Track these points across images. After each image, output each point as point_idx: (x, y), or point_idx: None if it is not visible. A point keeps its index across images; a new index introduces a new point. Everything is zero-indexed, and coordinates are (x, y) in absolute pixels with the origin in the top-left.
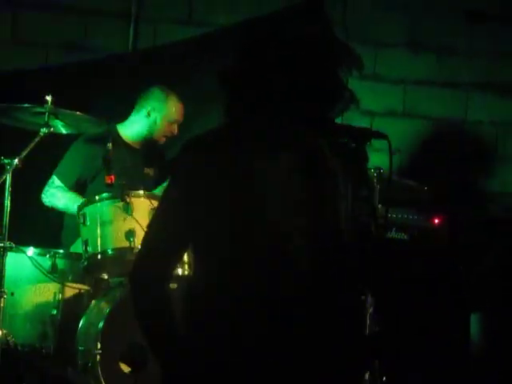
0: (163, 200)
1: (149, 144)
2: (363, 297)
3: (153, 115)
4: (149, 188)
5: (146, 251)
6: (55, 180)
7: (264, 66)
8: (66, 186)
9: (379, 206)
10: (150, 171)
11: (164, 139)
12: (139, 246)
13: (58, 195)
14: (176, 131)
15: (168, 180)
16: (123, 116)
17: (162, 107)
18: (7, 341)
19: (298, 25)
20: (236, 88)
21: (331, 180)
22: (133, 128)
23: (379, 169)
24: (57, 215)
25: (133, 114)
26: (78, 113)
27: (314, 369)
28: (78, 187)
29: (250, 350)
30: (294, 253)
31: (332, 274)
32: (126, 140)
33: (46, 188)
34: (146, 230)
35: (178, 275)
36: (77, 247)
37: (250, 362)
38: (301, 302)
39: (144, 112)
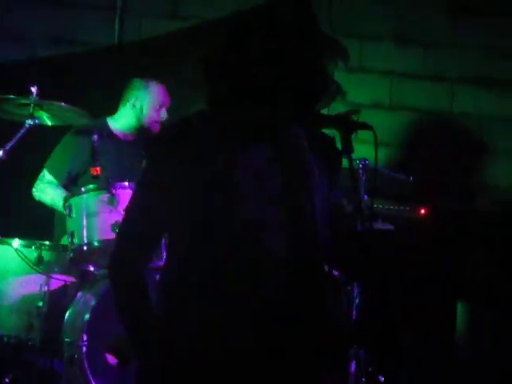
0: (138, 185)
1: (140, 135)
2: (348, 287)
3: (138, 105)
4: None
5: (123, 239)
6: (46, 174)
7: (248, 58)
8: (57, 179)
9: (365, 196)
10: (140, 164)
11: (156, 126)
12: None
13: (47, 190)
14: (166, 116)
15: (144, 163)
16: (109, 108)
17: (144, 95)
18: None
19: (285, 16)
20: (218, 78)
21: (307, 171)
22: (122, 120)
23: (365, 160)
24: (47, 208)
25: (120, 108)
26: (62, 104)
27: (290, 357)
28: (70, 181)
29: (226, 338)
30: (267, 241)
31: (307, 262)
32: (117, 132)
33: (37, 182)
34: (122, 217)
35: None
36: (67, 239)
37: (226, 350)
38: (276, 290)
39: (129, 104)
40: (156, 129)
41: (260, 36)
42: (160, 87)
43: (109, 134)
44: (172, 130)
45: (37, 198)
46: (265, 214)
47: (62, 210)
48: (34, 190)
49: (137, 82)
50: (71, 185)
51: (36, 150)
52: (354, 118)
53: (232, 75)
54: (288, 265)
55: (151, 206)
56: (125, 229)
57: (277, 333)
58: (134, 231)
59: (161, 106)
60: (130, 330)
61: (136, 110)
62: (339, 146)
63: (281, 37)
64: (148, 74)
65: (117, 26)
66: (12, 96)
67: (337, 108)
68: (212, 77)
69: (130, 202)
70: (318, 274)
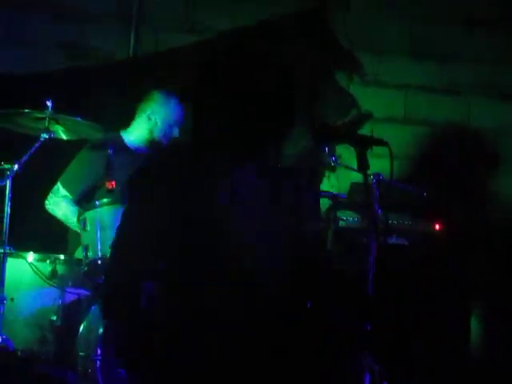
0: (125, 217)
1: (151, 148)
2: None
3: (153, 118)
4: None
5: (116, 261)
6: (60, 188)
7: (221, 89)
8: (71, 195)
9: (379, 211)
10: None
11: (166, 142)
12: None
13: (61, 205)
14: (177, 133)
15: (128, 198)
16: (123, 121)
17: (161, 109)
18: (7, 346)
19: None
20: (199, 109)
21: (289, 196)
22: (136, 133)
23: (379, 174)
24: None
25: (135, 119)
26: (78, 118)
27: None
28: (84, 196)
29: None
30: (257, 262)
31: (288, 282)
32: (130, 145)
33: (51, 195)
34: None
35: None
36: (81, 253)
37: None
38: (263, 307)
39: (144, 116)
40: (164, 144)
41: (229, 68)
42: (178, 105)
43: (123, 147)
44: (158, 164)
45: (49, 211)
46: (253, 236)
47: (73, 226)
48: (46, 202)
49: (156, 95)
50: (85, 200)
51: (50, 163)
52: (367, 129)
53: (209, 106)
54: (276, 284)
55: (141, 236)
56: (117, 253)
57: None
58: (126, 256)
59: (175, 124)
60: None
61: (151, 123)
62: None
63: (250, 73)
64: (163, 86)
65: (132, 38)
66: (27, 110)
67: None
68: (194, 108)
69: (121, 229)
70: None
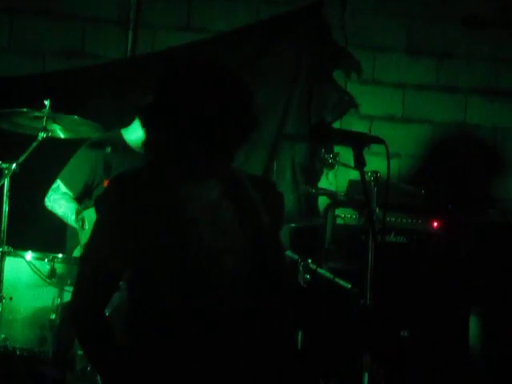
0: (92, 235)
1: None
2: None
3: None
4: None
5: (80, 287)
6: (60, 185)
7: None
8: (71, 192)
9: (377, 210)
10: None
11: None
12: None
13: (60, 202)
14: None
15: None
16: (121, 121)
17: None
18: (5, 345)
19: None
20: (158, 124)
21: (250, 207)
22: (137, 133)
23: (376, 173)
24: (60, 220)
25: (136, 120)
26: (75, 117)
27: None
28: (84, 193)
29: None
30: (223, 272)
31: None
32: (131, 145)
33: (50, 192)
34: (79, 262)
35: None
36: (79, 252)
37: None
38: (236, 316)
39: None
40: None
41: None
42: None
43: (122, 146)
44: (122, 180)
45: (49, 208)
46: (222, 245)
47: (73, 223)
48: (46, 200)
49: None
50: (85, 197)
51: (49, 163)
52: (365, 129)
53: (165, 118)
54: (245, 291)
55: (108, 255)
56: (84, 272)
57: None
58: (92, 275)
59: None
60: (95, 365)
61: None
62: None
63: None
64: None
65: (130, 39)
66: (25, 109)
67: (349, 121)
68: (146, 124)
69: (87, 249)
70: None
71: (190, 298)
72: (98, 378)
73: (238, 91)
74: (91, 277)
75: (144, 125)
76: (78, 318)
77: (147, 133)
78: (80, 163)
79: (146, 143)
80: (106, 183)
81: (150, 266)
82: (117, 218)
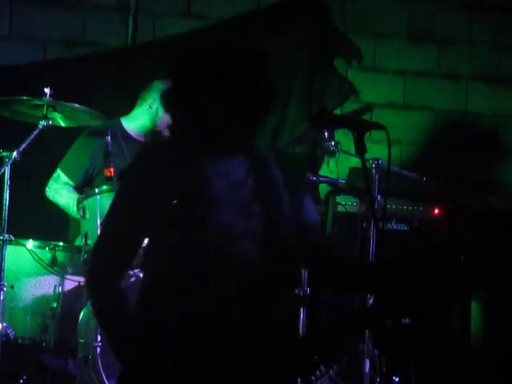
0: (114, 205)
1: (153, 137)
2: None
3: (154, 107)
4: None
5: (102, 251)
6: (61, 175)
7: (199, 82)
8: (72, 181)
9: (378, 197)
10: None
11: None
12: None
13: (62, 192)
14: None
15: (119, 186)
16: (121, 109)
17: None
18: (7, 334)
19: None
20: (177, 109)
21: (276, 186)
22: (137, 121)
23: (378, 160)
24: (61, 209)
25: (136, 107)
26: (76, 105)
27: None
28: (85, 181)
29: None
30: (242, 252)
31: (279, 273)
32: (131, 133)
33: (51, 182)
34: (100, 231)
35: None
36: (81, 241)
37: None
38: (249, 298)
39: (145, 105)
40: (165, 132)
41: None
42: None
43: (122, 134)
44: (149, 154)
45: (50, 198)
46: (241, 226)
47: (74, 213)
48: (47, 189)
49: (157, 84)
50: (86, 186)
51: (49, 151)
52: (367, 117)
53: (191, 99)
54: (263, 275)
55: (129, 225)
56: (107, 236)
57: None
58: (115, 239)
59: None
60: (107, 332)
61: (152, 111)
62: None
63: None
64: (161, 74)
65: (130, 26)
66: (25, 97)
67: (350, 108)
68: (171, 108)
69: (108, 218)
70: (289, 281)
71: (207, 275)
72: (100, 365)
73: (266, 67)
74: (112, 243)
75: (170, 104)
76: (95, 281)
77: (173, 111)
78: (79, 152)
79: (172, 123)
80: (106, 172)
81: (171, 240)
82: (142, 191)
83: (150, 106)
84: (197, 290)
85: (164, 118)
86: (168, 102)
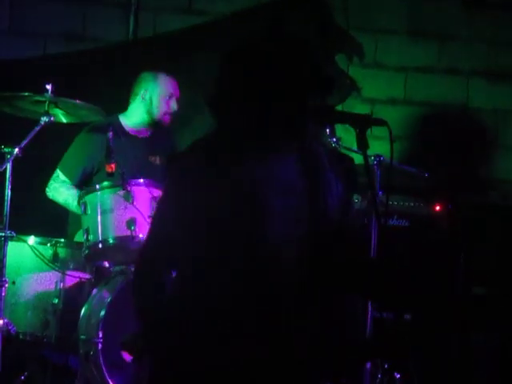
0: (162, 197)
1: (155, 131)
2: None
3: (147, 96)
4: (154, 176)
5: (144, 251)
6: (60, 175)
7: (247, 68)
8: (70, 180)
9: (380, 193)
10: (155, 159)
11: (168, 118)
12: (140, 235)
13: (60, 190)
14: (176, 107)
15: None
16: (123, 105)
17: (153, 86)
18: (8, 329)
19: (277, 25)
20: (223, 92)
21: (323, 178)
22: (133, 116)
23: (379, 156)
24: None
25: (130, 103)
26: (77, 101)
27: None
28: (83, 180)
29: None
30: (286, 259)
31: (323, 270)
32: (129, 129)
33: (51, 181)
34: (150, 228)
35: None
36: (81, 236)
37: (233, 359)
38: (289, 296)
39: (139, 98)
40: (167, 121)
41: (256, 47)
42: (168, 78)
43: (122, 131)
44: (195, 149)
45: (50, 197)
46: (288, 233)
47: (75, 210)
48: (47, 189)
49: (145, 75)
50: (84, 184)
51: (51, 147)
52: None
53: (236, 86)
54: (302, 284)
55: (174, 218)
56: (154, 235)
57: (283, 343)
58: (163, 237)
59: (170, 97)
60: (145, 327)
61: (146, 102)
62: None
63: (275, 46)
64: (162, 69)
65: (131, 22)
66: (27, 93)
67: (352, 103)
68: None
69: (157, 210)
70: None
71: (249, 282)
72: (101, 361)
73: (318, 64)
74: (158, 238)
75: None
76: (136, 281)
77: (219, 100)
78: (78, 151)
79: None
80: (107, 167)
81: (215, 242)
82: (187, 187)
83: (143, 97)
84: (236, 299)
85: (160, 107)
86: (226, 84)
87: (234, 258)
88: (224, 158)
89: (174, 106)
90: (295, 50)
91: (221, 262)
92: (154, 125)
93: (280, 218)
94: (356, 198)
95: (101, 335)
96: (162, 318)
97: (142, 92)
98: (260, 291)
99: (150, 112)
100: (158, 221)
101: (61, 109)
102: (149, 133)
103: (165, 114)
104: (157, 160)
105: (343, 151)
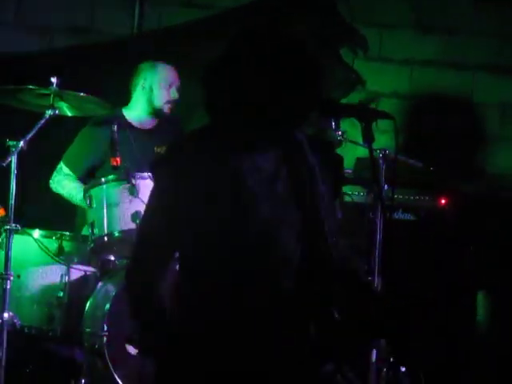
0: (150, 199)
1: (160, 121)
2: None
3: (147, 85)
4: None
5: (135, 252)
6: (63, 167)
7: (243, 66)
8: (74, 173)
9: (385, 186)
10: (162, 150)
11: (169, 107)
12: None
13: (63, 183)
14: (177, 95)
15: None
16: (129, 98)
17: (152, 75)
18: (14, 323)
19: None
20: (218, 87)
21: (311, 177)
22: (136, 108)
23: (385, 150)
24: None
25: (132, 95)
26: (82, 94)
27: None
28: (87, 173)
29: (235, 339)
30: (280, 243)
31: (319, 266)
32: (133, 122)
33: (55, 174)
34: (138, 227)
35: None
36: (88, 230)
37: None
38: (285, 292)
39: (139, 87)
40: (169, 110)
41: (251, 45)
42: (167, 66)
43: (126, 124)
44: (182, 147)
45: (54, 190)
46: (279, 217)
47: (79, 202)
48: (50, 182)
49: (144, 64)
50: (88, 177)
51: (56, 140)
52: (373, 105)
53: (229, 87)
54: (300, 267)
55: (164, 220)
56: (143, 237)
57: (281, 334)
58: (152, 240)
59: (170, 85)
60: (143, 327)
61: (146, 91)
62: (360, 137)
63: (270, 45)
64: (166, 62)
65: (137, 16)
66: (32, 86)
67: (356, 98)
68: (210, 86)
69: (145, 214)
70: (329, 276)
71: (242, 271)
72: (107, 354)
73: (313, 57)
74: (148, 242)
75: (207, 87)
76: (132, 281)
77: (218, 86)
78: (82, 144)
79: (208, 107)
80: (112, 161)
81: (206, 237)
82: (175, 187)
83: (143, 86)
84: (236, 288)
85: (160, 95)
86: (217, 76)
87: (223, 249)
88: (212, 151)
89: (174, 94)
90: (290, 47)
91: (211, 255)
92: (157, 115)
93: (268, 203)
94: (361, 192)
95: (106, 328)
96: (154, 318)
97: (141, 82)
98: (258, 278)
99: (150, 101)
100: (146, 220)
101: (66, 102)
102: (153, 124)
103: (166, 102)
104: (163, 151)
105: (348, 145)
